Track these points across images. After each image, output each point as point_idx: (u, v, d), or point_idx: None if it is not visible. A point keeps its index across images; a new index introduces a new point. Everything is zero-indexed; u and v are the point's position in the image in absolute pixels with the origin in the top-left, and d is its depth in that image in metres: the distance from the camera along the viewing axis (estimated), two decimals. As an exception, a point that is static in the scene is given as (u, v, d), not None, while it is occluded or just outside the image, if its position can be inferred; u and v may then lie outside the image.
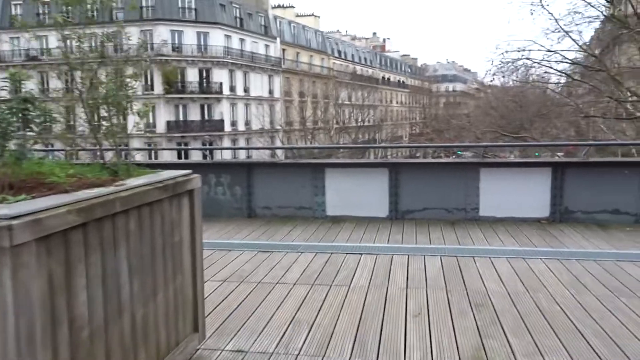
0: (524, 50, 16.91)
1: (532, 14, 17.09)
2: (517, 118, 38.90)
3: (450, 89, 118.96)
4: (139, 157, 36.29)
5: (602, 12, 14.34)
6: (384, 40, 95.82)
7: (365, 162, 8.20)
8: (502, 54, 17.28)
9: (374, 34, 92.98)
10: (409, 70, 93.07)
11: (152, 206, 2.74)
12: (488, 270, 5.09)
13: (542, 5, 16.39)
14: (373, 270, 5.13)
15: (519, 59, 17.27)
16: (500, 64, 17.65)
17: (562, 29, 15.99)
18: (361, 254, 5.76)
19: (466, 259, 5.49)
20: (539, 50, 18.20)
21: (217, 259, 5.68)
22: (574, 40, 16.94)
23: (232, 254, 5.85)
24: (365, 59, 74.64)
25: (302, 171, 7.72)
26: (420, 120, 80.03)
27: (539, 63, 17.81)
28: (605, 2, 15.10)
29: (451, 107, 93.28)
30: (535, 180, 7.18)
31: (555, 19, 16.09)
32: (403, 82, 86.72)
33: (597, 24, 17.98)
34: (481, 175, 7.26)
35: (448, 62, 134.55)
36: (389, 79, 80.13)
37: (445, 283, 4.73)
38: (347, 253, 5.80)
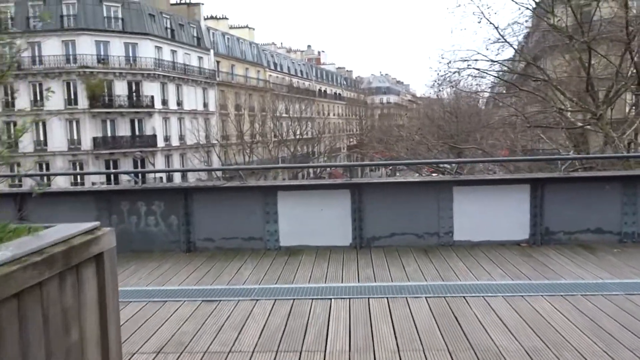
0: (467, 60, 16.67)
1: (480, 21, 16.90)
2: (453, 128, 39.64)
3: (385, 101, 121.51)
4: (61, 181, 33.28)
5: (546, 21, 14.26)
6: (319, 52, 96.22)
7: (323, 183, 7.11)
8: (447, 64, 16.96)
9: (309, 46, 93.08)
10: (345, 83, 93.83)
11: (23, 297, 1.57)
12: (488, 315, 4.20)
13: (483, 15, 16.23)
14: (350, 324, 4.09)
15: (464, 69, 17.00)
16: (445, 74, 17.31)
17: (505, 39, 15.90)
18: (330, 298, 4.71)
19: (457, 300, 4.58)
20: (481, 60, 18.09)
21: (149, 315, 4.44)
22: (516, 50, 16.93)
23: (168, 307, 4.62)
24: (302, 71, 74.25)
25: (251, 196, 6.63)
26: (358, 132, 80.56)
27: (486, 73, 17.68)
28: (544, 11, 15.11)
29: (386, 119, 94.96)
30: (513, 198, 6.44)
31: (497, 28, 15.95)
32: (339, 94, 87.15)
33: (534, 36, 18.21)
34: (455, 194, 6.41)
35: (381, 75, 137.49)
36: (325, 91, 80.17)
37: (443, 339, 3.77)
38: (312, 298, 4.73)
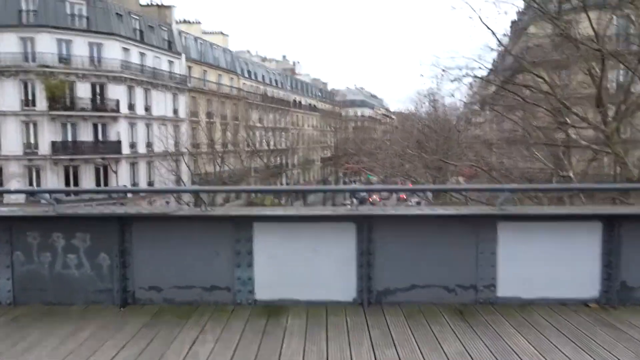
0: (465, 68, 15.29)
1: (484, 26, 15.58)
2: (432, 144, 38.46)
3: (359, 113, 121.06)
4: (15, 184, 30.62)
5: (562, 29, 12.98)
6: (294, 63, 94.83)
7: (319, 213, 5.05)
8: (443, 71, 15.50)
9: (284, 56, 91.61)
10: (320, 94, 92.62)
11: None
12: None
13: (480, 19, 14.92)
14: None
15: (464, 76, 15.59)
16: (439, 82, 15.71)
17: (503, 45, 14.62)
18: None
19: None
20: (479, 68, 16.75)
21: None
22: (515, 57, 15.58)
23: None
24: (276, 81, 72.58)
25: (215, 228, 4.76)
26: (332, 144, 79.28)
27: (490, 82, 16.31)
28: (552, 17, 13.83)
29: (360, 132, 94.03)
30: (579, 240, 4.73)
31: (494, 34, 14.66)
32: (314, 105, 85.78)
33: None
34: (500, 233, 4.69)
35: (356, 88, 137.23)
36: (300, 102, 78.66)
37: None
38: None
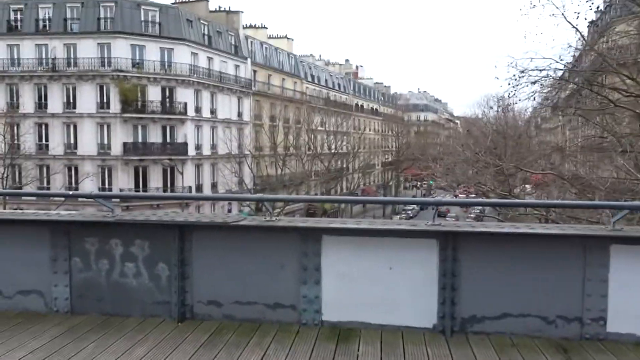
0: (544, 69, 14.26)
1: (557, 25, 14.55)
2: (501, 150, 36.76)
3: (422, 118, 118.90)
4: (88, 183, 31.91)
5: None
6: (357, 67, 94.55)
7: (396, 228, 4.40)
8: (522, 72, 14.50)
9: (347, 60, 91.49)
10: (382, 98, 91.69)
11: None
12: None
13: (564, 16, 13.87)
14: None
15: (544, 77, 14.56)
16: (517, 83, 14.69)
17: (585, 40, 13.49)
18: None
19: None
20: (560, 69, 15.62)
21: None
22: (601, 56, 14.33)
23: None
24: (339, 84, 72.50)
25: (280, 240, 4.41)
26: (394, 148, 78.15)
27: (574, 83, 15.21)
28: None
29: (423, 136, 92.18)
30: None
31: (578, 30, 13.56)
32: (376, 109, 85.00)
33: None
34: (613, 258, 4.02)
35: (419, 92, 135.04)
36: (362, 106, 78.17)
37: None
38: None
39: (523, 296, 4.12)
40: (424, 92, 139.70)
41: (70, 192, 5.33)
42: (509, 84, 14.53)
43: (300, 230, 4.36)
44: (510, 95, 15.44)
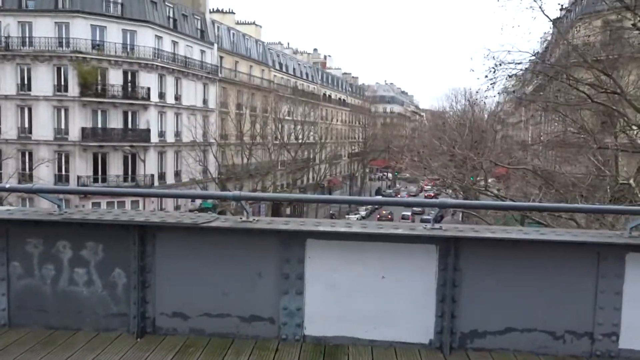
0: (520, 63, 14.16)
1: (534, 18, 14.47)
2: (467, 143, 37.12)
3: (388, 110, 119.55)
4: (44, 169, 30.25)
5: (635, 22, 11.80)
6: (325, 57, 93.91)
7: (391, 232, 3.83)
8: (498, 65, 14.35)
9: (315, 49, 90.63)
10: (350, 89, 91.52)
11: None
12: None
13: (541, 9, 13.79)
14: None
15: (520, 71, 14.47)
16: (494, 77, 14.51)
17: (562, 35, 13.46)
18: None
19: None
20: (536, 62, 15.59)
21: None
22: (579, 54, 14.34)
23: None
24: (307, 74, 71.80)
25: (259, 244, 3.83)
26: (361, 139, 78.16)
27: (552, 77, 15.14)
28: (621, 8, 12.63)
29: (389, 128, 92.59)
30: None
31: (555, 24, 13.52)
32: (344, 100, 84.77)
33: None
34: (628, 268, 3.66)
35: (386, 84, 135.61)
36: (330, 96, 77.77)
37: None
38: None
39: (529, 309, 3.73)
40: (391, 84, 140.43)
41: (7, 185, 4.58)
42: (486, 76, 14.38)
43: (281, 233, 3.79)
44: (487, 89, 15.32)
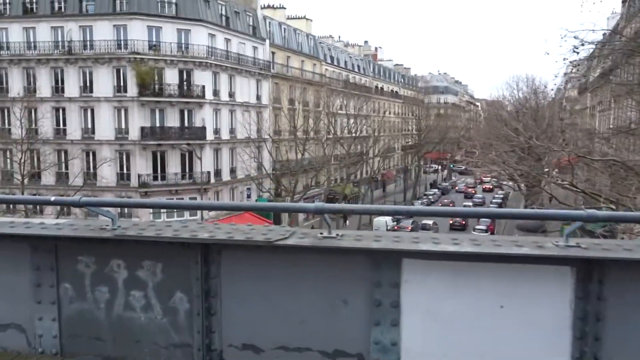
0: (603, 42, 12.87)
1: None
2: (531, 132, 35.25)
3: (442, 100, 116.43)
4: (106, 168, 30.75)
5: None
6: (376, 48, 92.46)
7: (512, 252, 2.93)
8: (581, 44, 13.04)
9: (366, 42, 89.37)
10: (402, 80, 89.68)
11: None
12: None
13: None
14: None
15: (600, 50, 13.19)
16: (576, 56, 13.14)
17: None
18: None
19: None
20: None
21: None
22: None
23: None
24: (359, 66, 70.84)
25: (344, 265, 3.16)
26: (415, 131, 76.34)
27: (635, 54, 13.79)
28: None
29: (443, 119, 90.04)
30: None
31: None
32: (396, 92, 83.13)
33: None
34: None
35: (439, 74, 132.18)
36: (382, 88, 76.45)
37: None
38: None
39: None
40: (444, 73, 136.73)
41: (52, 199, 4.03)
42: (565, 58, 13.10)
43: (371, 252, 3.11)
44: (572, 70, 14.03)
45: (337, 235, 3.15)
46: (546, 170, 29.06)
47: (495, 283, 2.97)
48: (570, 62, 13.91)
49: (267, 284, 3.20)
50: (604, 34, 17.55)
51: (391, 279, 3.02)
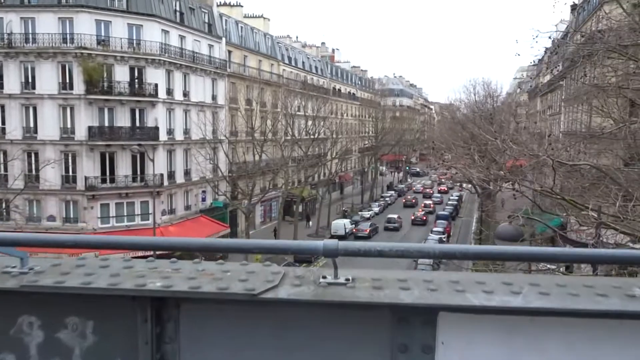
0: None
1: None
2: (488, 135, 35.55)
3: (397, 103, 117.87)
4: (50, 170, 28.63)
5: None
6: (334, 50, 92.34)
7: (594, 309, 1.87)
8: (558, 44, 12.82)
9: (323, 43, 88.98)
10: (359, 83, 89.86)
11: None
12: None
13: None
14: None
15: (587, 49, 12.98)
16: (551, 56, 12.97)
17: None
18: None
19: None
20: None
21: None
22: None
23: None
24: (316, 68, 70.30)
25: (357, 323, 2.00)
26: (372, 133, 76.50)
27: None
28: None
29: (399, 122, 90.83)
30: None
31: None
32: (353, 94, 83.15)
33: None
34: None
35: (395, 77, 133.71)
36: (339, 90, 76.19)
37: None
38: None
39: None
40: (400, 76, 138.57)
41: None
42: (541, 59, 12.82)
43: (394, 307, 2.06)
44: (548, 68, 13.81)
45: (348, 280, 2.17)
46: (499, 171, 29.29)
47: (566, 343, 2.08)
48: (520, 67, 13.81)
49: (247, 350, 2.18)
50: (553, 40, 17.78)
51: (422, 341, 2.06)
